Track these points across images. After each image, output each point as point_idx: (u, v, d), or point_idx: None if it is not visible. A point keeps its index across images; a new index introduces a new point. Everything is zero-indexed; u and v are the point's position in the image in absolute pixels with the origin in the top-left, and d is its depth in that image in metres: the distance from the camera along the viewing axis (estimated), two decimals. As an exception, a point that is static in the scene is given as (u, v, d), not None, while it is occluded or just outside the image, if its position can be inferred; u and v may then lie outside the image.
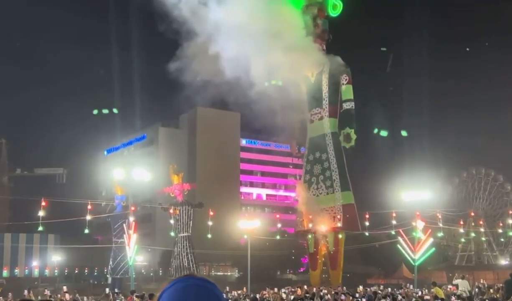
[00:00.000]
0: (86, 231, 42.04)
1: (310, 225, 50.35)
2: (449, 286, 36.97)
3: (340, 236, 50.10)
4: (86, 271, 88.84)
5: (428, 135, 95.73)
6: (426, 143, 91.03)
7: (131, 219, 38.23)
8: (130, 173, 41.20)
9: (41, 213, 38.75)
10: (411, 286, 40.34)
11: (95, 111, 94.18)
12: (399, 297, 27.90)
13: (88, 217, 40.32)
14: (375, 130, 66.32)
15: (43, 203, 38.57)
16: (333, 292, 32.25)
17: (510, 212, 76.83)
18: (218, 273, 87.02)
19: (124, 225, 40.92)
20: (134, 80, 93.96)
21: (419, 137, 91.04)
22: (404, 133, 76.55)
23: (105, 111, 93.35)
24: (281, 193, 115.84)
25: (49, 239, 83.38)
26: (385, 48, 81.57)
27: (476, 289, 35.70)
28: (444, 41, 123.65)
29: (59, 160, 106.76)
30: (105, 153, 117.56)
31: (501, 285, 32.24)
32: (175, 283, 2.04)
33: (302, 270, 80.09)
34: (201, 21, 42.80)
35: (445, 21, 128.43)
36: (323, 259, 51.70)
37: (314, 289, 35.97)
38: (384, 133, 65.67)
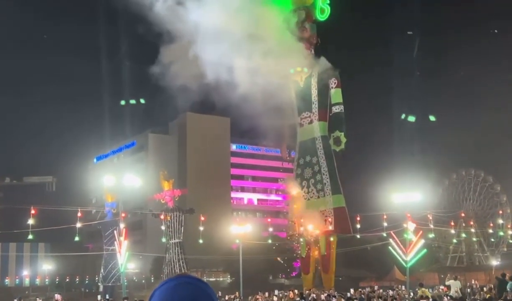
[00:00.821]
0: (77, 238, 41.76)
1: (302, 229, 50.36)
2: (441, 287, 37.09)
3: (331, 239, 50.11)
4: (77, 279, 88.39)
5: (418, 137, 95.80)
6: (417, 145, 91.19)
7: (122, 225, 38.02)
8: (120, 179, 40.98)
9: (30, 221, 38.47)
10: (403, 287, 40.38)
11: (123, 102, 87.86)
12: (390, 292, 28.01)
13: (78, 225, 40.08)
14: (403, 116, 66.67)
15: (33, 211, 38.30)
16: (325, 294, 32.30)
17: (500, 212, 77.37)
18: (211, 279, 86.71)
19: (115, 232, 40.67)
20: (124, 86, 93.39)
21: (410, 139, 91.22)
22: (432, 118, 75.88)
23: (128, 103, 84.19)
24: (272, 197, 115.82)
25: (40, 248, 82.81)
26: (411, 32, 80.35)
27: (468, 290, 35.82)
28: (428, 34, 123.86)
29: (49, 168, 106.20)
30: (95, 160, 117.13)
31: (492, 285, 32.45)
32: (167, 281, 2.01)
33: (294, 274, 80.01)
34: (187, 25, 42.67)
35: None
36: (315, 262, 51.68)
37: (306, 292, 36.00)
38: (412, 118, 65.88)
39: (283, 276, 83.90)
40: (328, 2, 52.89)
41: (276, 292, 38.17)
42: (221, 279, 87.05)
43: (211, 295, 2.00)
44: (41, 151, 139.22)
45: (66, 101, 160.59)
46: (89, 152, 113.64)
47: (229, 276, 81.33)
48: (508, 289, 25.51)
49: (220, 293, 40.38)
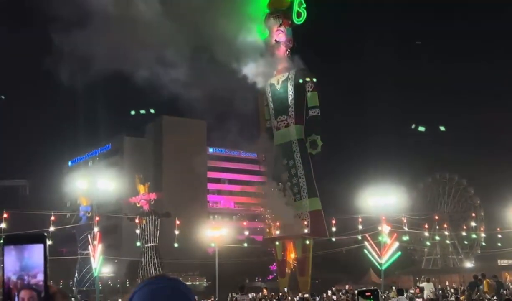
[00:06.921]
0: (49, 242, 41.16)
1: (278, 232, 50.39)
2: (411, 291, 37.35)
3: (307, 242, 50.23)
4: (51, 283, 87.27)
5: (395, 140, 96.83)
6: (393, 148, 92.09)
7: (96, 229, 37.65)
8: (95, 183, 40.59)
9: (3, 225, 37.87)
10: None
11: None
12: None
13: (52, 228, 39.58)
14: (413, 126, 67.26)
15: (5, 215, 37.74)
16: (299, 295, 32.65)
17: (473, 215, 78.32)
18: (187, 283, 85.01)
19: (89, 236, 40.27)
20: (99, 89, 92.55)
21: (386, 143, 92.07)
22: (442, 128, 76.52)
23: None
24: (249, 200, 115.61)
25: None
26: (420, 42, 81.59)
27: (440, 292, 36.12)
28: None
29: (22, 171, 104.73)
30: (70, 163, 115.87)
31: (463, 288, 32.79)
32: (146, 284, 1.93)
33: (271, 278, 80.00)
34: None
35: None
36: (291, 265, 51.74)
37: (280, 293, 36.12)
38: (422, 128, 66.39)
39: (260, 279, 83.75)
40: (304, 6, 53.11)
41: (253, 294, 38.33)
42: (197, 283, 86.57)
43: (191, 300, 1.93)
44: (14, 154, 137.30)
45: (40, 104, 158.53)
46: (63, 155, 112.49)
47: (205, 280, 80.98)
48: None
49: (196, 298, 40.20)
